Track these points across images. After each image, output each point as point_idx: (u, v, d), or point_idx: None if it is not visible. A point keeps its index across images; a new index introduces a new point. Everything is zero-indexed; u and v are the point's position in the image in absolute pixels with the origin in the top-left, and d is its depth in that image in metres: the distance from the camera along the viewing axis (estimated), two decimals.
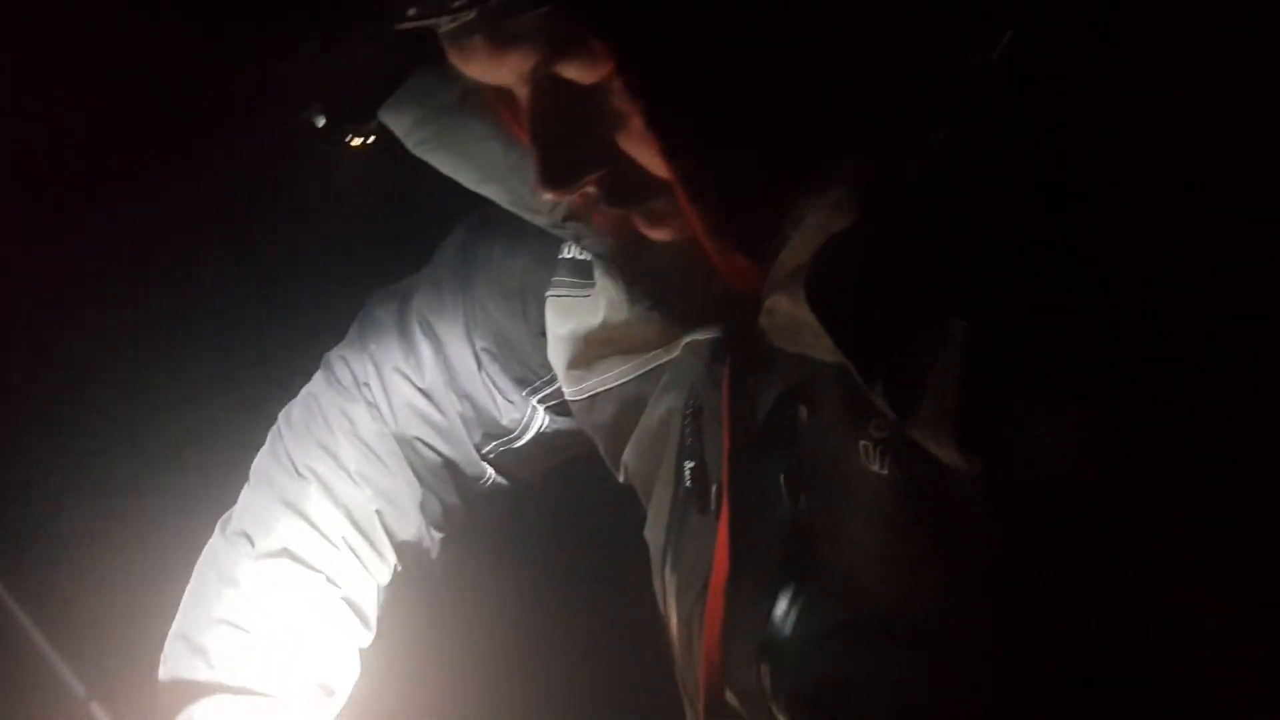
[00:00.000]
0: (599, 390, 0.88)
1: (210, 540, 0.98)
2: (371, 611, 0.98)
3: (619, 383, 0.86)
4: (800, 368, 0.70)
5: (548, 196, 0.67)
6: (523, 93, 0.65)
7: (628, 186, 0.67)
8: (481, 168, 0.76)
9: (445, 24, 0.61)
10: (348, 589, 0.96)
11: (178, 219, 1.18)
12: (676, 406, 0.81)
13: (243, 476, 0.98)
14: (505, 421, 1.01)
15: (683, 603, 0.82)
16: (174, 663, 0.92)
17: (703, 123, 0.61)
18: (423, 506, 1.00)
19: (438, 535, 1.02)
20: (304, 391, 1.04)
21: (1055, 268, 0.59)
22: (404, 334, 1.01)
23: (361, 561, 0.97)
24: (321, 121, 0.67)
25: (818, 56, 0.61)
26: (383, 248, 1.23)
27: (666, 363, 0.82)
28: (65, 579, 1.07)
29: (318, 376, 1.04)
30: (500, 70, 0.64)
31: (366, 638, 0.97)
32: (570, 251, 0.89)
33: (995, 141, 0.61)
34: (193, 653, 0.91)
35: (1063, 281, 0.59)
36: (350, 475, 0.98)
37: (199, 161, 1.15)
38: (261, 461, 1.01)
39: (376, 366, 1.01)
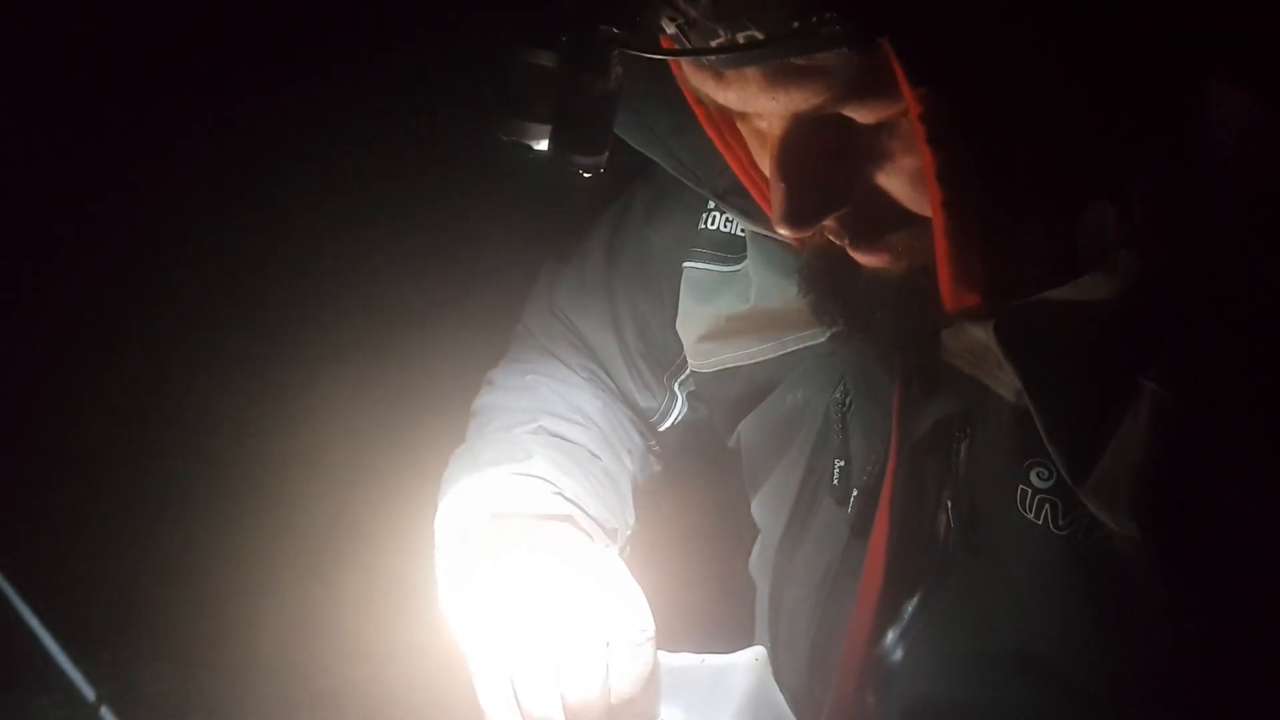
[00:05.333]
0: (729, 366, 0.86)
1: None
2: (627, 494, 0.97)
3: (752, 361, 0.84)
4: (971, 393, 0.68)
5: (785, 232, 0.63)
6: (777, 124, 0.61)
7: (868, 221, 0.63)
8: (644, 126, 0.73)
9: (718, 55, 0.56)
10: (608, 463, 0.96)
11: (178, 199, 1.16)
12: (818, 398, 0.80)
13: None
14: (644, 405, 1.01)
15: (791, 594, 0.82)
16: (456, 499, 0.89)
17: (984, 174, 0.58)
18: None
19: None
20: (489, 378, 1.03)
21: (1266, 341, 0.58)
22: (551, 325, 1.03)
23: (612, 448, 0.97)
24: (543, 145, 0.60)
25: (1089, 108, 0.58)
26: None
27: (806, 348, 0.80)
28: (77, 582, 1.05)
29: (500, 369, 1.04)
30: (769, 104, 0.59)
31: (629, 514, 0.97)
32: (711, 223, 0.88)
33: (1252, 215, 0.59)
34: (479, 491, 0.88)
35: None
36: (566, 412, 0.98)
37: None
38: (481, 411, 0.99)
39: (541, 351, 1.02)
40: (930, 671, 0.72)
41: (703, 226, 0.87)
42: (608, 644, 0.73)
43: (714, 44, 0.55)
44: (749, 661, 0.79)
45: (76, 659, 0.87)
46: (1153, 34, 0.57)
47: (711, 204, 0.87)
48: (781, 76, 0.57)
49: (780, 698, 0.79)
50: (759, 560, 0.88)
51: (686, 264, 0.88)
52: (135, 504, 1.11)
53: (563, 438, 0.94)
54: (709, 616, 1.03)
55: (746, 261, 0.83)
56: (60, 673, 0.87)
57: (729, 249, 0.85)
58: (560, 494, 0.88)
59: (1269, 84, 0.57)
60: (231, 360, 1.17)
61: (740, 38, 0.54)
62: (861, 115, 0.59)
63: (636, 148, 0.74)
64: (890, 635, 0.73)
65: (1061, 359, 0.61)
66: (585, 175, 0.61)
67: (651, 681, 0.75)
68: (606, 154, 0.61)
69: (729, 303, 0.84)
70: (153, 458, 1.14)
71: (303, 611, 1.16)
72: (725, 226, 0.86)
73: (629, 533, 0.96)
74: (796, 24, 0.53)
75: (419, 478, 1.04)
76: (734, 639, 0.94)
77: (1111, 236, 0.59)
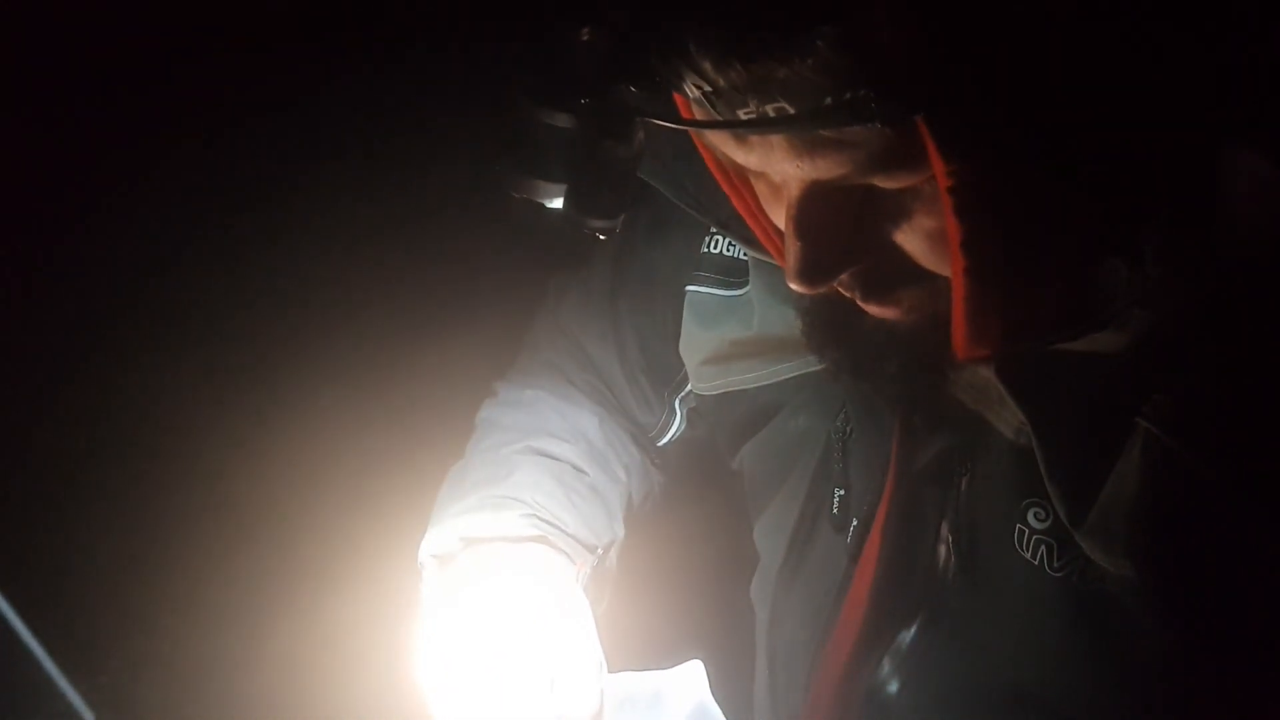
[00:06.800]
0: (732, 389, 0.87)
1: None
2: (617, 509, 0.99)
3: (755, 385, 0.85)
4: (971, 427, 0.69)
5: (799, 288, 0.64)
6: (797, 186, 0.61)
7: (881, 276, 0.64)
8: (648, 152, 0.72)
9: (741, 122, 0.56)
10: (595, 478, 0.98)
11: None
12: (819, 425, 0.81)
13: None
14: (643, 421, 1.02)
15: (790, 620, 0.83)
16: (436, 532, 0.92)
17: (1007, 241, 0.59)
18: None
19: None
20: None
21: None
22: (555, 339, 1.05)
23: (603, 462, 1.00)
24: (557, 202, 0.59)
25: (1104, 171, 0.59)
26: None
27: (809, 374, 0.81)
28: (75, 603, 1.05)
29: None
30: (792, 170, 0.60)
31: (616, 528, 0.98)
32: (714, 246, 0.88)
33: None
34: (456, 515, 0.92)
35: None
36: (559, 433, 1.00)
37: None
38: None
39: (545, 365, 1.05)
40: (926, 703, 0.72)
41: (705, 250, 0.88)
42: (555, 681, 0.76)
43: (742, 114, 0.55)
44: (687, 675, 0.81)
45: (75, 681, 0.87)
46: (1168, 96, 0.58)
47: (716, 230, 0.87)
48: (809, 147, 0.57)
49: (717, 710, 0.81)
50: (759, 587, 0.88)
51: (689, 287, 0.88)
52: (135, 525, 1.11)
53: (549, 455, 0.96)
54: (705, 637, 1.03)
55: (749, 286, 0.83)
56: (58, 694, 0.86)
57: (732, 273, 0.85)
58: (535, 515, 0.89)
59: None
60: (232, 382, 1.17)
61: (770, 109, 0.54)
62: (886, 183, 0.59)
63: (640, 174, 0.74)
64: (886, 665, 0.73)
65: (1065, 401, 0.62)
66: (601, 237, 0.61)
67: (599, 714, 0.78)
68: (623, 216, 0.61)
69: (732, 327, 0.84)
70: (153, 479, 1.13)
71: (305, 636, 1.16)
72: (728, 250, 0.86)
73: (615, 546, 0.97)
74: (829, 99, 0.53)
75: (421, 497, 1.05)
76: (730, 660, 0.94)
77: (1124, 294, 0.60)
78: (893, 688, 0.73)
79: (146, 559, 1.10)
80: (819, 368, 0.79)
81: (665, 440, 1.04)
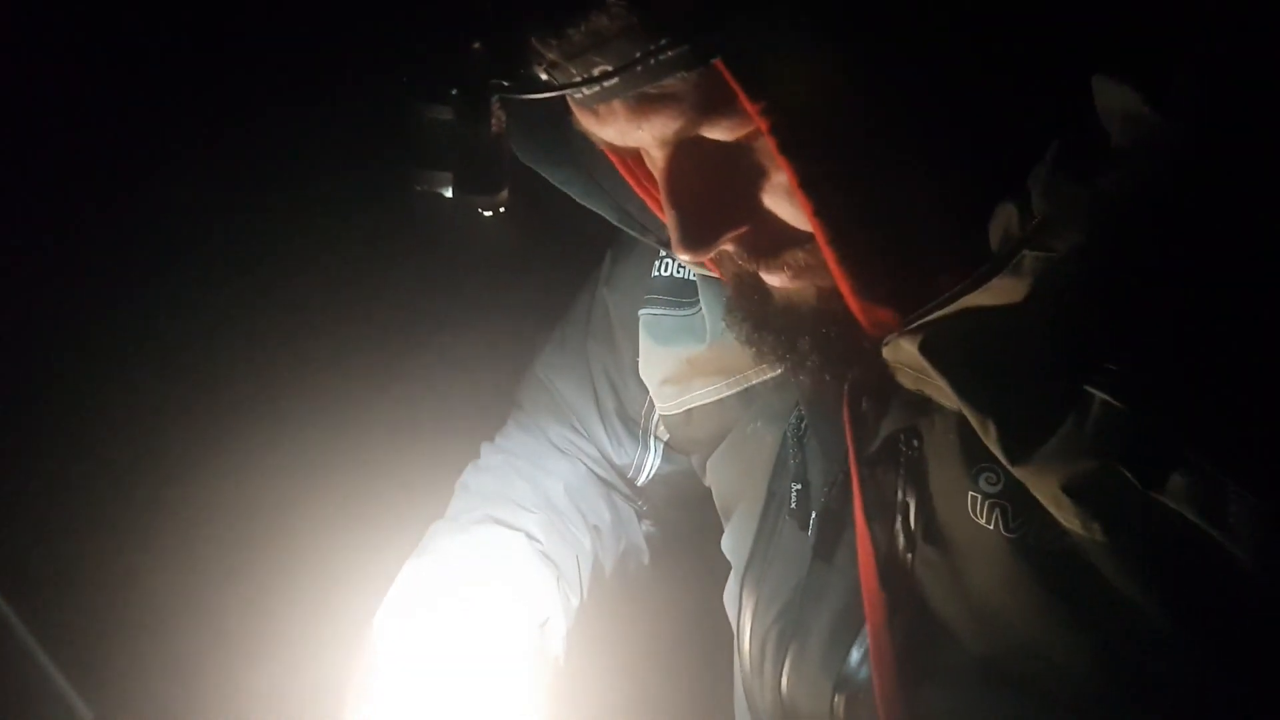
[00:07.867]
0: (695, 405, 0.88)
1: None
2: (573, 573, 1.00)
3: (717, 398, 0.86)
4: (917, 407, 0.69)
5: (684, 257, 0.66)
6: (658, 154, 0.64)
7: (765, 241, 0.65)
8: (589, 179, 0.75)
9: (581, 90, 0.60)
10: (547, 546, 0.99)
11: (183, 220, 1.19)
12: (775, 426, 0.82)
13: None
14: (620, 463, 1.04)
15: (760, 620, 0.82)
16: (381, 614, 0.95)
17: (854, 180, 0.60)
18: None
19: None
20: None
21: (1219, 341, 0.57)
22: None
23: (564, 527, 1.01)
24: (449, 191, 0.65)
25: (976, 111, 0.59)
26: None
27: (764, 381, 0.82)
28: (75, 601, 1.06)
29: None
30: (639, 134, 0.62)
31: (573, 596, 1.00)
32: (665, 269, 0.90)
33: (1160, 199, 0.58)
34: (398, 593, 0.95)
35: (1228, 358, 0.57)
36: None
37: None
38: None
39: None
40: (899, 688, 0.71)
41: (656, 274, 0.90)
42: None
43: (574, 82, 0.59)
44: None
45: (74, 678, 0.88)
46: (1032, 31, 0.58)
47: (663, 251, 0.89)
48: (641, 106, 0.60)
49: None
50: (729, 593, 0.89)
51: (642, 311, 0.90)
52: (135, 522, 1.12)
53: (506, 524, 0.99)
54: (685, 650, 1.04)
55: (699, 305, 0.85)
56: (58, 694, 0.88)
57: (682, 293, 0.87)
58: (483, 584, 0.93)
59: (1147, 75, 0.58)
60: (233, 386, 1.19)
61: (596, 73, 0.58)
62: (721, 134, 0.61)
63: (580, 201, 0.77)
64: (855, 654, 0.74)
65: (988, 360, 0.61)
66: (487, 214, 0.64)
67: None
68: (505, 193, 0.65)
69: (687, 345, 0.86)
70: (153, 477, 1.15)
71: (305, 636, 1.17)
72: (678, 272, 0.89)
73: (565, 620, 0.99)
74: (638, 54, 0.56)
75: (419, 497, 1.06)
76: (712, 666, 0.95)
77: (1015, 237, 0.60)
78: (863, 675, 0.74)
79: (147, 560, 1.12)
80: (774, 374, 0.80)
81: (644, 479, 1.04)
